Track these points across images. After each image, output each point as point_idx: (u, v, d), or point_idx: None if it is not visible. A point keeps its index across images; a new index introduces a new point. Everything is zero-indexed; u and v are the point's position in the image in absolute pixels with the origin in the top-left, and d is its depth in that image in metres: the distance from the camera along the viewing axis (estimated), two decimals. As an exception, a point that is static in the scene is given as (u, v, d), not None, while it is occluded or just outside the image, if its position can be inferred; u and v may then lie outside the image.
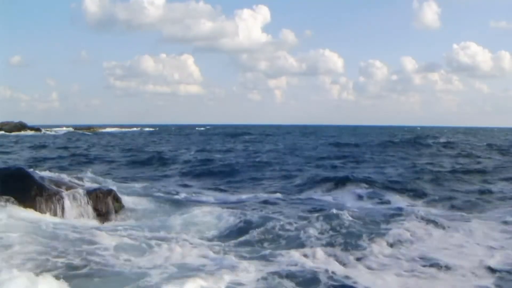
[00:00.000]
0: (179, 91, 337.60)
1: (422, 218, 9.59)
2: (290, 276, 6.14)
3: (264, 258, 7.01)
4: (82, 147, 34.12)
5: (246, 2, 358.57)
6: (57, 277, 5.52)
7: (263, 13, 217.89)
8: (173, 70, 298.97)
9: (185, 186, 15.58)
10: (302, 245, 7.76)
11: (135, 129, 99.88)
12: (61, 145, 35.90)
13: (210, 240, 8.29)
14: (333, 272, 6.31)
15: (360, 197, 13.33)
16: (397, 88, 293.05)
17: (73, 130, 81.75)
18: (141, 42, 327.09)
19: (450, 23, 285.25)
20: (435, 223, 9.32)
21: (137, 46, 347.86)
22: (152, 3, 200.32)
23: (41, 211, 9.15)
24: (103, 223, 9.46)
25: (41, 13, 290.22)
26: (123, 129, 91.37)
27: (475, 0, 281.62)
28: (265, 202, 12.30)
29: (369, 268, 6.80)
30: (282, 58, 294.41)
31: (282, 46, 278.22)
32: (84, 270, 6.17)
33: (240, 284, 5.80)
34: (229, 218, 9.43)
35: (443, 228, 9.10)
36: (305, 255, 7.12)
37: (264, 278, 5.99)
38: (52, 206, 9.45)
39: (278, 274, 6.14)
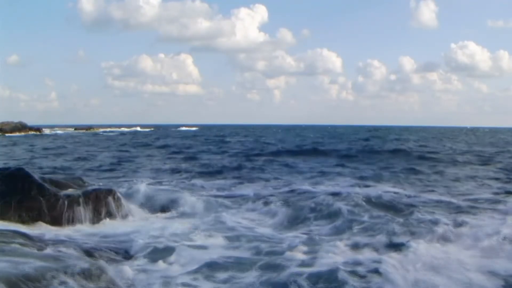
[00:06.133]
0: (178, 91, 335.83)
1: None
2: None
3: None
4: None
5: (243, 1, 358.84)
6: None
7: (261, 12, 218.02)
8: (171, 69, 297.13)
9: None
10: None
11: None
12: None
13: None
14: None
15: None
16: (396, 88, 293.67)
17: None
18: (138, 42, 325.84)
19: (447, 22, 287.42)
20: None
21: (134, 45, 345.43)
22: (148, 2, 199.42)
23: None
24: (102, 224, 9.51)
25: (38, 12, 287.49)
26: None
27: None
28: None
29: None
30: (280, 57, 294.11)
31: (280, 45, 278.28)
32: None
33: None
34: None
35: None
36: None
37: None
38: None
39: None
